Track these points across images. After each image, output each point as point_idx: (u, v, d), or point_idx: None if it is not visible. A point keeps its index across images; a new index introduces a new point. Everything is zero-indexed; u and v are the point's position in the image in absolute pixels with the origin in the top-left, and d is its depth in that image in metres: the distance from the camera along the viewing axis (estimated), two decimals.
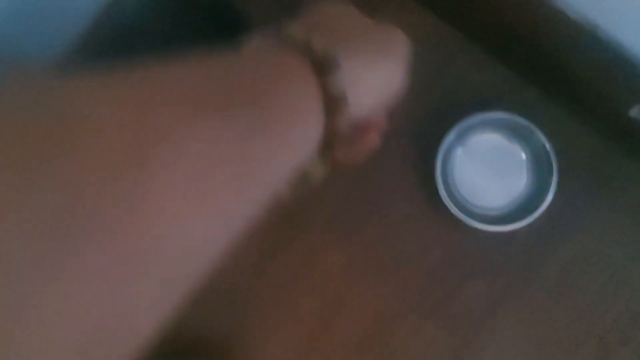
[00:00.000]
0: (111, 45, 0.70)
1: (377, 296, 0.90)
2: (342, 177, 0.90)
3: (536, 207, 0.85)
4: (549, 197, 0.85)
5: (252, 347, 0.89)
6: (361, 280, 0.90)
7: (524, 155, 0.90)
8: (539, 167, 0.88)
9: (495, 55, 0.91)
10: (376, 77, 0.44)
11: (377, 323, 0.89)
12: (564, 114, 0.91)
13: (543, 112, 0.90)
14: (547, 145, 0.85)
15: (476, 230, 0.86)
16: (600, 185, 0.90)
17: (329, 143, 0.38)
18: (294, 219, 0.90)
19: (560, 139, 0.89)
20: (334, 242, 0.90)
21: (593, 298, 0.89)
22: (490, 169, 0.90)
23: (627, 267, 0.90)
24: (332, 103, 0.36)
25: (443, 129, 0.87)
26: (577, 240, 0.90)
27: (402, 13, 0.92)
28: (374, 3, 0.90)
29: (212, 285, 0.79)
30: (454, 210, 0.86)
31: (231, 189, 0.28)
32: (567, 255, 0.90)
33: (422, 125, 0.91)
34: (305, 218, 0.90)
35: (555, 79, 0.87)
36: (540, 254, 0.90)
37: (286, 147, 0.32)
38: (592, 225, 0.90)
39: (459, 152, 0.90)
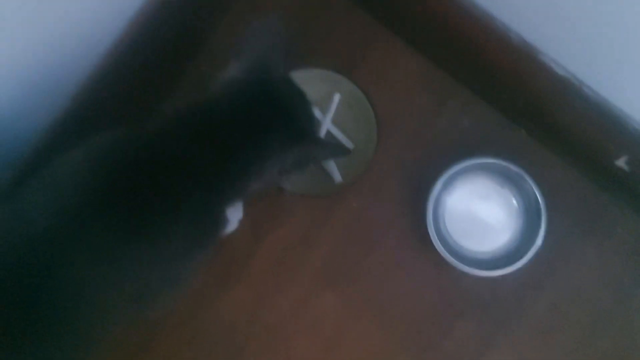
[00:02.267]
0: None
1: (371, 337, 0.92)
2: (337, 221, 0.92)
3: (525, 253, 0.87)
4: (538, 244, 0.87)
5: None
6: (355, 321, 0.92)
7: (514, 201, 0.92)
8: (529, 214, 0.90)
9: (484, 100, 0.92)
10: None
11: None
12: (552, 159, 0.93)
13: (532, 156, 0.92)
14: (538, 194, 0.87)
15: (465, 273, 0.88)
16: (588, 228, 0.93)
17: None
18: (289, 261, 0.92)
19: (549, 182, 0.91)
20: (329, 284, 0.92)
21: (581, 335, 0.92)
22: (480, 213, 0.92)
23: (614, 306, 0.92)
24: None
25: (434, 173, 0.88)
26: (565, 280, 0.92)
27: (391, 54, 0.93)
28: (362, 45, 0.93)
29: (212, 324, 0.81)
30: (444, 254, 0.88)
31: None
32: (555, 294, 0.92)
33: (413, 170, 0.92)
34: (300, 260, 0.92)
35: (543, 127, 0.89)
36: (529, 293, 0.92)
37: None
38: (580, 266, 0.92)
39: (450, 197, 0.92)
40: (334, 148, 0.81)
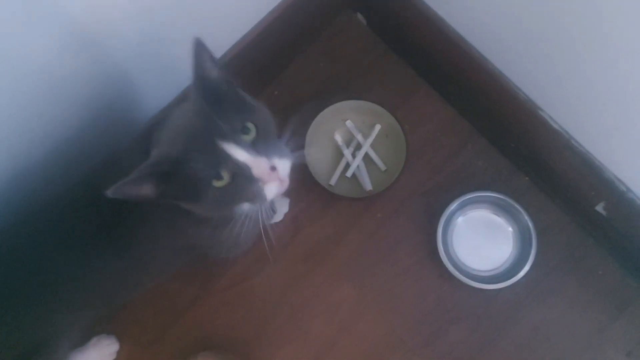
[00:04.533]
0: None
1: (377, 327, 1.08)
2: (363, 226, 1.12)
3: (515, 274, 1.04)
4: (527, 268, 1.04)
5: (267, 354, 1.08)
6: (366, 312, 1.09)
7: (510, 229, 1.10)
8: (523, 241, 1.08)
9: (497, 147, 1.13)
10: None
11: (373, 351, 1.08)
12: (549, 204, 1.11)
13: (532, 199, 1.11)
14: (531, 225, 1.05)
15: (466, 285, 1.05)
16: (573, 266, 1.09)
17: None
18: (318, 252, 1.11)
19: (543, 221, 1.09)
20: (349, 278, 1.10)
21: (558, 358, 1.06)
22: (482, 237, 1.10)
23: (590, 337, 1.06)
24: None
25: (448, 199, 1.08)
26: (549, 307, 1.08)
27: (427, 103, 1.16)
28: (405, 92, 1.15)
29: (249, 293, 1.02)
30: (449, 266, 1.05)
31: None
32: (539, 318, 1.07)
33: (431, 195, 1.12)
34: (328, 253, 1.11)
35: (541, 173, 1.08)
36: (516, 313, 1.08)
37: None
38: (563, 298, 1.08)
39: (458, 221, 1.11)
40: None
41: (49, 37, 0.68)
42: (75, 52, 0.74)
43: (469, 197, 1.08)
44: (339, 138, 1.12)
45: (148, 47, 0.84)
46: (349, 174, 1.10)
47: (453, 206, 1.08)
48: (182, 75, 0.70)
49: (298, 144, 0.74)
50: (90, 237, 0.77)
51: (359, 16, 1.19)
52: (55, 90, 0.76)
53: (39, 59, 0.70)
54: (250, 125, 0.67)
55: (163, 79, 0.93)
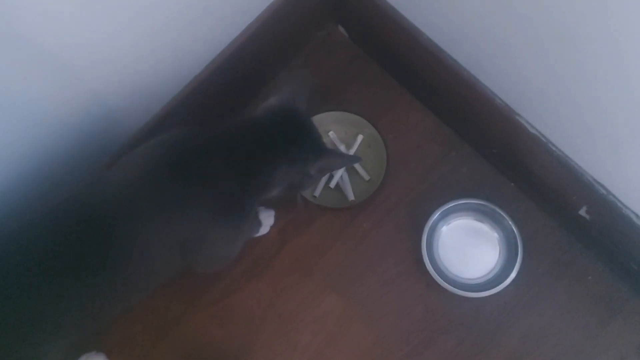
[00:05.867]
0: None
1: (365, 338, 1.08)
2: (349, 237, 1.12)
3: (502, 282, 1.03)
4: (513, 275, 1.03)
5: None
6: (354, 323, 1.09)
7: (496, 235, 1.09)
8: (509, 248, 1.07)
9: (481, 154, 1.12)
10: None
11: None
12: (534, 207, 1.10)
13: (518, 205, 1.10)
14: (515, 231, 1.04)
15: (453, 294, 1.04)
16: (562, 272, 1.07)
17: None
18: (305, 264, 1.11)
19: (529, 228, 1.08)
20: (336, 289, 1.10)
21: None
22: (468, 244, 1.09)
23: (582, 343, 1.05)
24: None
25: (433, 207, 1.08)
26: (538, 314, 1.06)
27: (409, 112, 1.16)
28: (388, 102, 1.16)
29: (236, 307, 1.03)
30: (435, 276, 1.05)
31: None
32: (529, 325, 1.06)
33: (417, 203, 1.12)
34: (314, 264, 1.11)
35: (525, 178, 1.07)
36: (506, 321, 1.07)
37: None
38: (552, 304, 1.07)
39: (442, 230, 1.10)
40: (347, 157, 1.01)
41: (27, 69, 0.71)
42: (50, 79, 0.76)
43: (451, 205, 1.07)
44: None
45: (123, 75, 0.87)
46: (332, 184, 1.11)
47: (435, 216, 1.07)
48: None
49: None
50: (78, 256, 0.77)
51: (341, 29, 1.20)
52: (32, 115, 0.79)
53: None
54: None
55: (138, 102, 0.95)
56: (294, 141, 0.86)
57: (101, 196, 0.80)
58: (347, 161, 1.03)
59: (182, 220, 0.81)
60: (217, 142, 0.84)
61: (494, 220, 1.09)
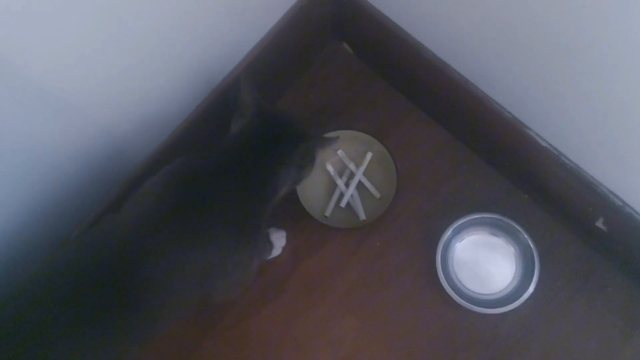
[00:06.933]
0: None
1: (382, 359, 1.07)
2: (362, 256, 1.11)
3: (519, 297, 1.01)
4: (531, 289, 1.01)
5: None
6: (371, 344, 1.08)
7: (513, 253, 1.07)
8: (526, 262, 1.05)
9: (494, 167, 1.11)
10: None
11: None
12: (550, 221, 1.08)
13: (533, 218, 1.08)
14: (531, 244, 1.02)
15: (470, 311, 1.02)
16: (581, 285, 1.05)
17: None
18: (319, 285, 1.10)
19: (546, 240, 1.06)
20: (351, 310, 1.09)
21: None
22: (483, 260, 1.07)
23: (606, 359, 1.02)
24: None
25: (447, 222, 1.06)
26: (558, 329, 1.04)
27: (418, 126, 1.15)
28: (396, 117, 1.15)
29: (252, 331, 1.01)
30: (451, 293, 1.03)
31: None
32: (548, 341, 1.04)
33: (430, 219, 1.10)
34: (329, 285, 1.10)
35: (538, 190, 1.05)
36: (524, 337, 1.05)
37: None
38: (572, 318, 1.04)
39: (457, 246, 1.08)
40: (323, 139, 0.93)
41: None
42: (54, 117, 0.77)
43: (463, 221, 1.06)
44: (331, 168, 1.12)
45: (127, 106, 0.87)
46: (342, 203, 1.10)
47: (448, 232, 1.06)
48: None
49: None
50: (99, 302, 0.76)
51: (345, 46, 1.20)
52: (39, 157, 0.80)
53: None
54: None
55: (145, 131, 0.95)
56: (282, 139, 0.86)
57: (115, 239, 0.79)
58: (326, 143, 0.93)
59: (201, 252, 0.81)
60: (219, 165, 0.84)
61: (509, 234, 1.07)
